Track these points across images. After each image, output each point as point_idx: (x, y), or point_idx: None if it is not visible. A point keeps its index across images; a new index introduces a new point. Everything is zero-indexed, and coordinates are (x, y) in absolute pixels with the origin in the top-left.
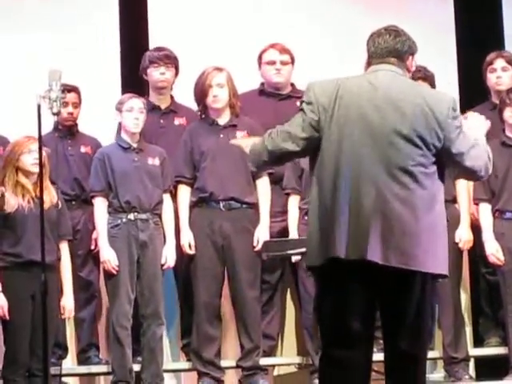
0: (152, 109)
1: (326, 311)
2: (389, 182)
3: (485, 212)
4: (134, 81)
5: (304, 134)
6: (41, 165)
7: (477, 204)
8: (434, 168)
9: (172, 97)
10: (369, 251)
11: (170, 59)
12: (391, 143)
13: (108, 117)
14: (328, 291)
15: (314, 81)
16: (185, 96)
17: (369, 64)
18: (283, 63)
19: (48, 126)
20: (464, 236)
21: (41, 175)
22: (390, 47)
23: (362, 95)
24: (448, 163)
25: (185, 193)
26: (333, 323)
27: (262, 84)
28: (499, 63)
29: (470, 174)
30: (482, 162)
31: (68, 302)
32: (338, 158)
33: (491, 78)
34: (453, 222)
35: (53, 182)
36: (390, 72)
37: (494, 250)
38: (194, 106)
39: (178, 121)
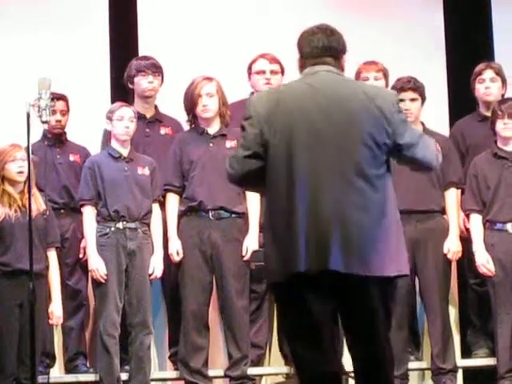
0: (138, 118)
1: (291, 328)
2: (345, 188)
3: (475, 223)
4: (123, 89)
5: (249, 151)
6: (29, 173)
7: (468, 215)
8: (384, 168)
9: (156, 106)
10: (331, 261)
11: (157, 68)
12: (342, 146)
13: (97, 125)
14: (290, 307)
15: (254, 95)
16: (173, 104)
17: (303, 65)
18: (273, 73)
19: (37, 134)
20: (453, 247)
21: (29, 184)
22: (326, 46)
23: (304, 99)
24: (399, 158)
25: (173, 201)
26: (301, 340)
27: (252, 93)
28: (488, 74)
29: (423, 166)
30: (432, 152)
31: (56, 308)
32: (290, 168)
33: (479, 89)
34: (442, 233)
35: (41, 190)
36: (328, 72)
37: (484, 261)
38: (178, 114)
39: (163, 130)
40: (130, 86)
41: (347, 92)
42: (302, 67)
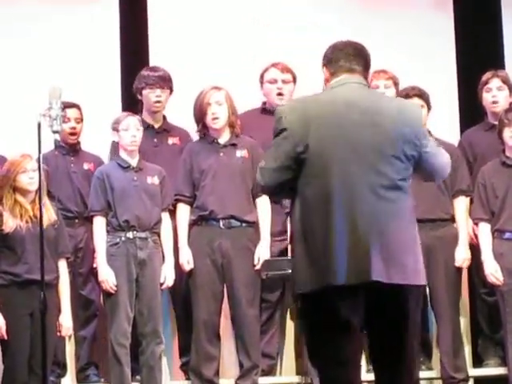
0: (146, 128)
1: (319, 339)
2: (379, 199)
3: (484, 232)
4: (134, 98)
5: (281, 163)
6: (40, 184)
7: (476, 224)
8: (410, 178)
9: (164, 116)
10: (373, 272)
11: (165, 81)
12: (376, 160)
13: (108, 135)
14: (319, 318)
15: (281, 106)
16: (182, 113)
17: (332, 74)
18: (285, 82)
19: (49, 144)
20: (462, 254)
21: (40, 195)
22: (358, 56)
23: (339, 114)
24: (419, 168)
25: (184, 211)
26: (329, 353)
27: (264, 103)
28: (495, 83)
29: (438, 175)
30: (448, 161)
31: (66, 319)
32: (326, 180)
33: (487, 98)
34: (452, 242)
35: (53, 198)
36: (358, 84)
37: (492, 270)
38: (188, 123)
39: (171, 140)
40: (139, 96)
41: (378, 106)
42: (331, 75)
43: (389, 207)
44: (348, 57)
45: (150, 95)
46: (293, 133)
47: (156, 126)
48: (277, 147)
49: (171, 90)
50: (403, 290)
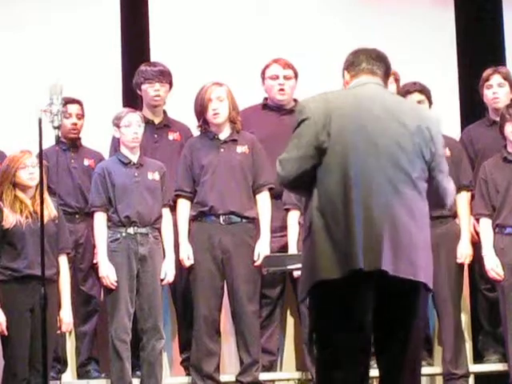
0: (146, 123)
1: (333, 326)
2: (395, 194)
3: (485, 227)
4: (135, 94)
5: (303, 152)
6: (42, 180)
7: (477, 219)
8: (426, 184)
9: (165, 112)
10: (383, 261)
11: (164, 76)
12: (395, 156)
13: (109, 131)
14: (338, 306)
15: (304, 99)
16: (183, 108)
17: (353, 76)
18: (286, 78)
19: (50, 140)
20: (465, 250)
21: (41, 190)
22: (381, 63)
23: (360, 106)
24: (430, 182)
25: (184, 207)
26: (342, 337)
27: (266, 99)
28: (495, 79)
29: (442, 198)
30: (453, 189)
31: (66, 315)
32: (346, 170)
33: (488, 95)
34: (454, 238)
35: (53, 194)
36: (379, 86)
37: (493, 265)
38: (188, 119)
39: (171, 135)
40: (138, 92)
41: (401, 105)
42: (352, 77)
43: (403, 202)
44: (370, 60)
45: (149, 89)
46: (315, 121)
47: (156, 121)
48: (299, 137)
49: (171, 85)
50: (413, 285)
